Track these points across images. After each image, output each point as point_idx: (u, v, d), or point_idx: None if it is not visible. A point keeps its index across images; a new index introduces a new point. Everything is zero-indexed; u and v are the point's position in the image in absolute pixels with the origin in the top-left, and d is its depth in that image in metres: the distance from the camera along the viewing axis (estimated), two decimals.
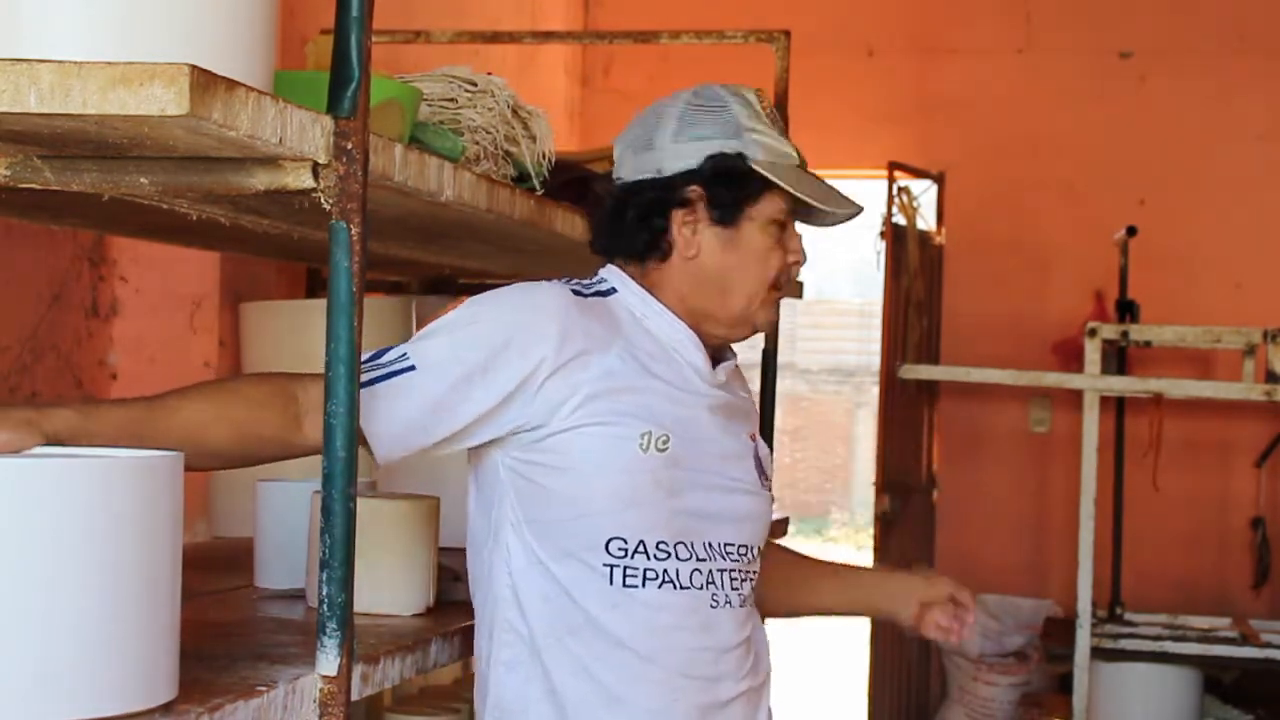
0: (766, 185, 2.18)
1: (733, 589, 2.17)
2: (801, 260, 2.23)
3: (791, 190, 2.17)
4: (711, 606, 2.14)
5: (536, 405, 2.06)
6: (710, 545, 2.14)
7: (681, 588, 2.11)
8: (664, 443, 2.09)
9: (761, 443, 2.29)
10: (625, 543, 2.08)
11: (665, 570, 2.09)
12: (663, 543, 2.09)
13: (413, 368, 2.04)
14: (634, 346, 2.14)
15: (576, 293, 2.14)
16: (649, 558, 2.08)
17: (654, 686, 2.10)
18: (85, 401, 1.83)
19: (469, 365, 2.04)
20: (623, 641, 2.09)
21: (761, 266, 2.20)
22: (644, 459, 2.07)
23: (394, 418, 2.02)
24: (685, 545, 2.12)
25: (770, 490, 2.28)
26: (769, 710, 2.28)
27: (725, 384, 2.25)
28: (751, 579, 2.23)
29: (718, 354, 2.26)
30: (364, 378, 1.98)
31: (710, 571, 2.14)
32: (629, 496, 2.07)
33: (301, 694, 1.81)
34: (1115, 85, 6.28)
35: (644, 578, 2.08)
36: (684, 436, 2.11)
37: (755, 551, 2.22)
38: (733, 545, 2.17)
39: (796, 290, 4.59)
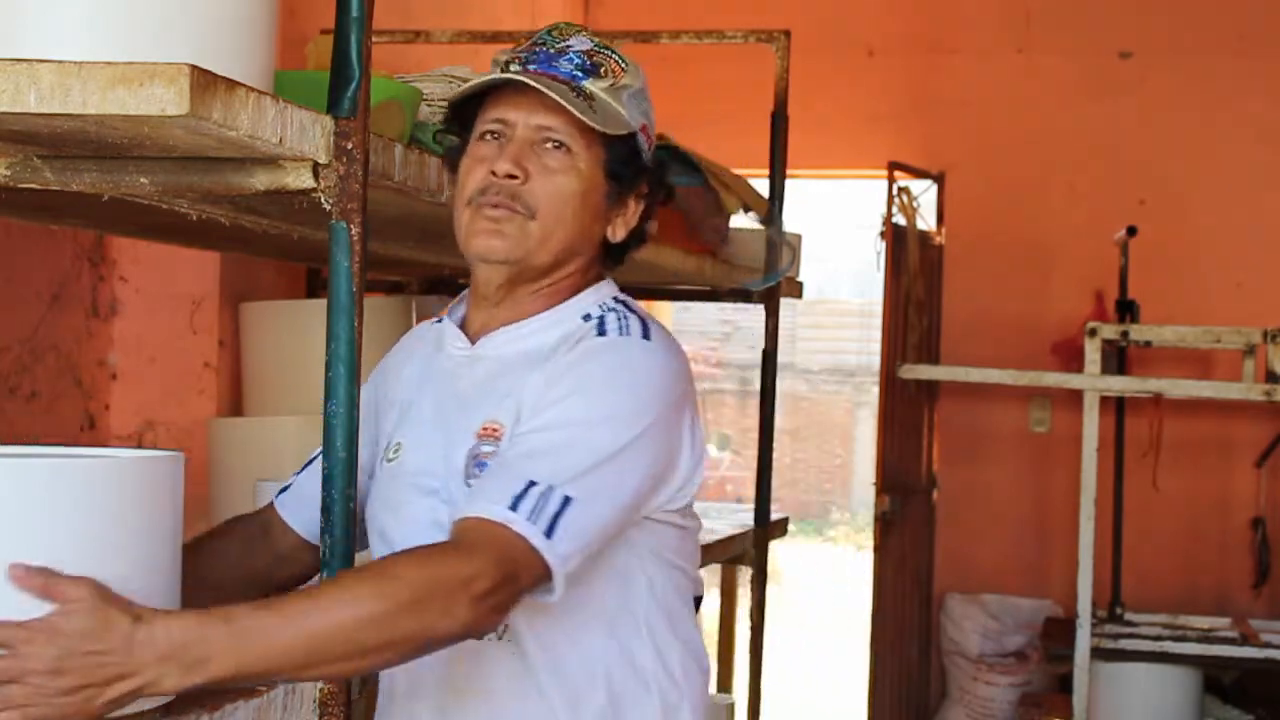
0: (468, 108, 1.94)
1: None
2: (506, 170, 1.86)
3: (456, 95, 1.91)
4: None
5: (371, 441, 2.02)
6: None
7: None
8: (395, 451, 1.95)
9: (509, 431, 1.84)
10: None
11: None
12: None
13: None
14: (428, 360, 2.01)
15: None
16: None
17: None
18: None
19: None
20: None
21: (463, 185, 1.90)
22: (381, 471, 1.96)
23: None
24: None
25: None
26: None
27: (487, 363, 1.92)
28: None
29: (498, 316, 1.94)
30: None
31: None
32: (369, 516, 1.99)
33: (301, 694, 1.81)
34: (1115, 85, 6.28)
35: None
36: (410, 439, 1.95)
37: None
38: None
39: (796, 290, 4.60)
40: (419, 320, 3.76)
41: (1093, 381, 5.22)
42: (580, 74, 1.90)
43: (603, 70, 1.90)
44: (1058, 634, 5.48)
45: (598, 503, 1.75)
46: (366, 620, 1.56)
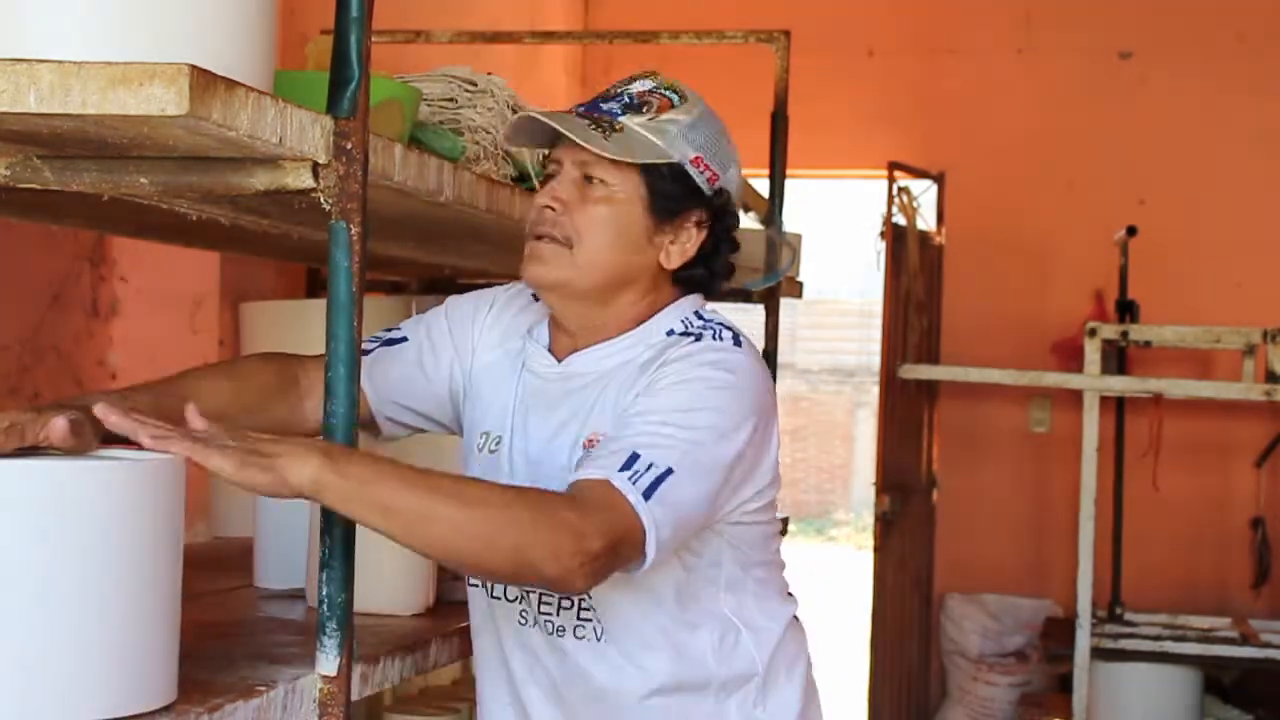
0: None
1: (541, 611, 2.06)
2: (544, 204, 2.03)
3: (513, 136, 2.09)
4: (520, 623, 2.08)
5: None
6: None
7: (493, 596, 2.10)
8: (495, 444, 2.10)
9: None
10: None
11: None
12: None
13: None
14: (521, 346, 2.14)
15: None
16: None
17: (479, 684, 2.18)
18: (105, 395, 1.86)
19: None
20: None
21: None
22: (479, 459, 2.12)
23: None
24: None
25: None
26: None
27: (579, 378, 2.06)
28: (563, 605, 2.04)
29: (582, 340, 2.08)
30: None
31: (524, 587, 2.06)
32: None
33: (301, 694, 1.81)
34: (1115, 85, 6.28)
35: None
36: (516, 435, 2.09)
37: None
38: None
39: (796, 290, 4.60)
40: None
41: (1093, 381, 5.22)
42: (619, 111, 2.03)
43: (645, 108, 2.02)
44: (1058, 634, 5.48)
45: (694, 478, 1.88)
46: (482, 516, 1.70)
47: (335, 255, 1.73)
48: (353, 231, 1.73)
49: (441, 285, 4.21)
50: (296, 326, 3.43)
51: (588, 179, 2.01)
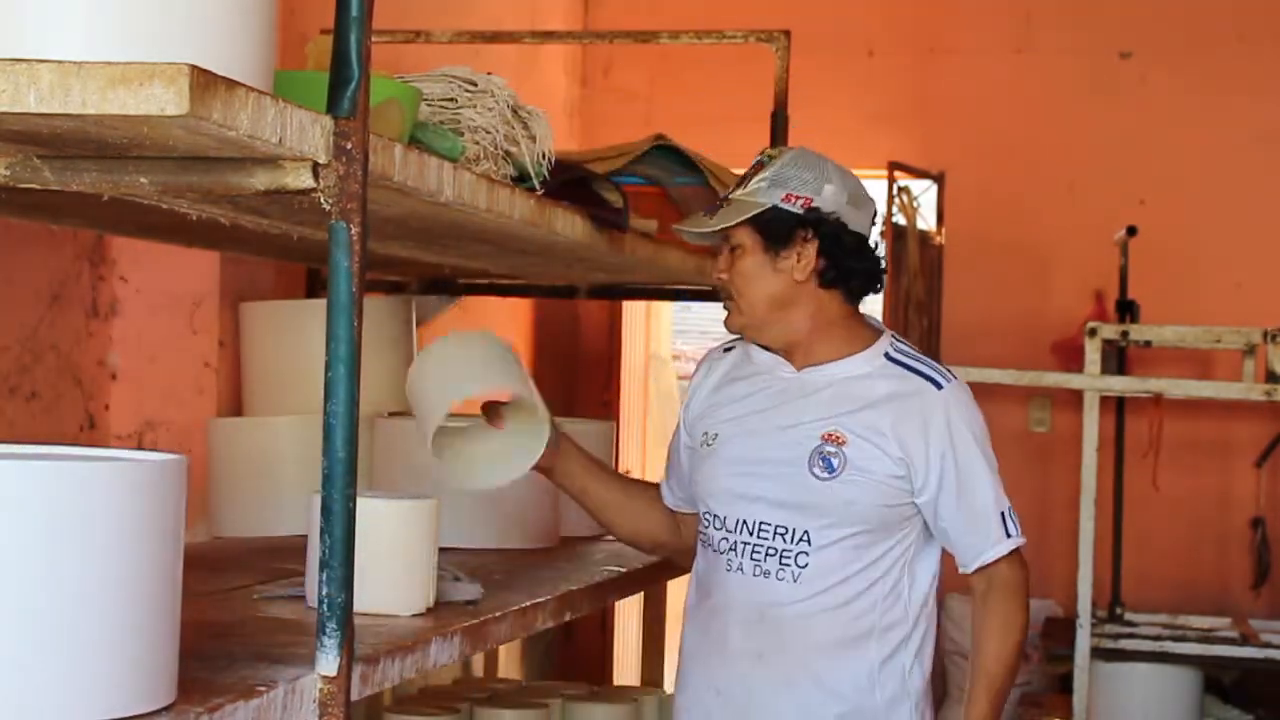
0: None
1: (751, 559, 2.66)
2: (717, 277, 2.70)
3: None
4: (726, 570, 2.67)
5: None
6: (740, 521, 2.67)
7: (716, 551, 2.69)
8: (712, 439, 2.73)
9: (856, 439, 2.62)
10: (704, 513, 2.75)
11: (705, 534, 2.73)
12: (709, 513, 2.72)
13: None
14: (732, 377, 2.76)
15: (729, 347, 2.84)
16: (702, 523, 2.74)
17: (689, 625, 2.77)
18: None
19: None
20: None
21: None
22: (699, 453, 2.76)
23: None
24: (718, 517, 2.70)
25: (838, 481, 2.61)
26: (795, 687, 2.63)
27: (812, 387, 2.68)
28: (782, 555, 2.63)
29: (799, 358, 2.70)
30: None
31: (735, 542, 2.67)
32: (699, 480, 2.75)
33: (301, 694, 1.81)
34: (1115, 85, 6.28)
35: (700, 540, 2.76)
36: (731, 435, 2.71)
37: (799, 535, 2.63)
38: (769, 525, 2.64)
39: None
40: (418, 320, 3.79)
41: (1093, 381, 5.22)
42: (731, 192, 2.70)
43: (744, 180, 2.68)
44: (1058, 634, 5.48)
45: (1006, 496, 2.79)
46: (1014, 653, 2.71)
47: (335, 255, 1.74)
48: (353, 231, 1.73)
49: (441, 285, 4.22)
50: (296, 326, 3.43)
51: (732, 249, 2.66)
